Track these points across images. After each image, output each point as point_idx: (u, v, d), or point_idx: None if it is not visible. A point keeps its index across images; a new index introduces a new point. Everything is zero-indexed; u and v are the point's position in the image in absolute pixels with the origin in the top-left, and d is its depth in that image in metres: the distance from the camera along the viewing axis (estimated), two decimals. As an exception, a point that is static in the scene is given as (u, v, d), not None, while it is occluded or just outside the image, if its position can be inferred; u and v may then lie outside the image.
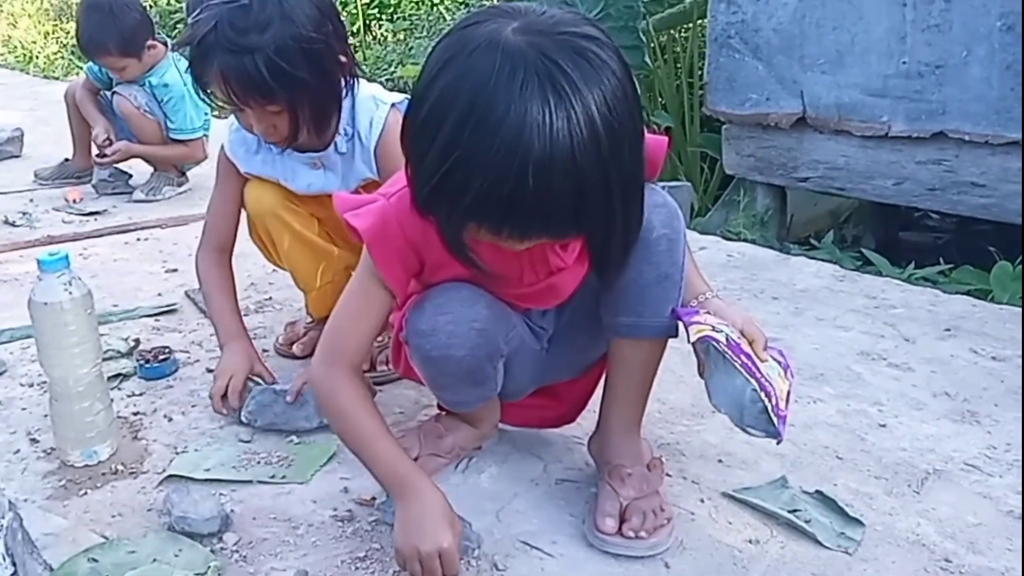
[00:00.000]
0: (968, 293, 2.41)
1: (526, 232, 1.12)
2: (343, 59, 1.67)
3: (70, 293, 1.54)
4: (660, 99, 3.92)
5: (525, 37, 1.05)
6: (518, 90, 1.02)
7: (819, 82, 2.89)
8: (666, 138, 1.39)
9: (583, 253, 1.37)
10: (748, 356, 1.29)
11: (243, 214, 1.91)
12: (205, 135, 3.60)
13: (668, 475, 1.56)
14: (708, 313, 1.36)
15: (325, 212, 1.90)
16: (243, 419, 1.74)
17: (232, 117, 1.82)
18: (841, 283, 2.48)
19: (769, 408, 1.26)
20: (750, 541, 1.40)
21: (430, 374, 1.46)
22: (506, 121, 1.02)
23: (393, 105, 1.76)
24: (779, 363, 1.34)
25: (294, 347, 2.06)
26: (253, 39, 1.54)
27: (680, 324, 1.35)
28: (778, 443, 1.32)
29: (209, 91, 1.65)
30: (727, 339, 1.29)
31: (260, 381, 1.78)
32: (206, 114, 3.58)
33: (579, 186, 1.06)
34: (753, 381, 1.27)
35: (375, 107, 1.76)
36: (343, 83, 1.69)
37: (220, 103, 1.67)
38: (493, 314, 1.38)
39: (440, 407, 1.66)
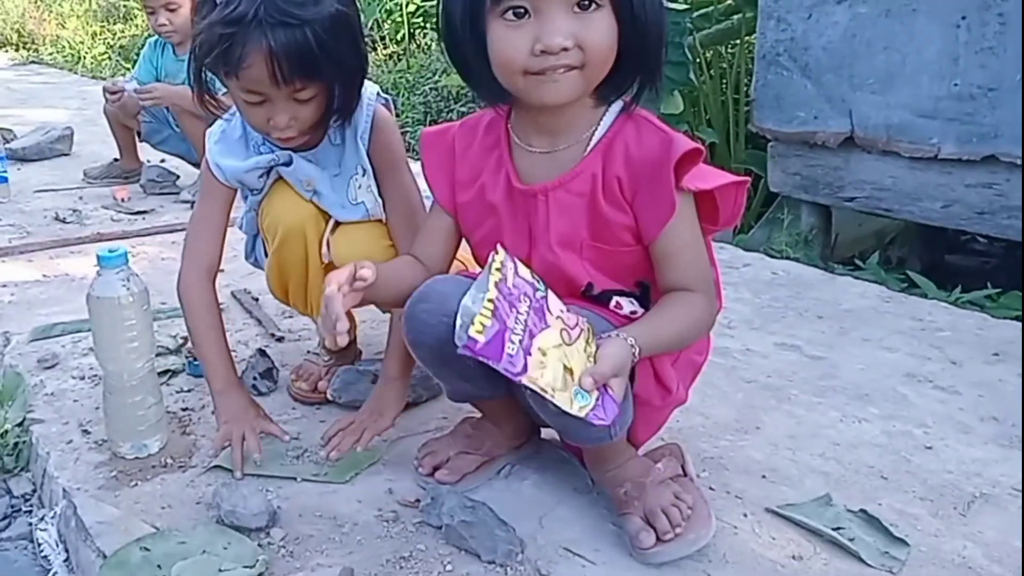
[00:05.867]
0: (1016, 318, 2.38)
1: None
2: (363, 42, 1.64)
3: (128, 289, 1.57)
4: (705, 114, 3.92)
5: None
6: None
7: (868, 102, 2.87)
8: (745, 178, 1.37)
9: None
10: (535, 304, 1.21)
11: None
12: None
13: (711, 488, 1.56)
14: (578, 324, 1.27)
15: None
16: (329, 396, 1.84)
17: (213, 130, 1.78)
18: (887, 304, 2.46)
19: (460, 323, 1.17)
20: (793, 557, 1.40)
21: (419, 360, 1.48)
22: None
23: (378, 95, 1.73)
24: (599, 397, 1.20)
25: (318, 385, 1.90)
26: (304, 11, 1.48)
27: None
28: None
29: (229, 80, 1.57)
30: (537, 291, 1.23)
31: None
32: None
33: None
34: (473, 291, 1.18)
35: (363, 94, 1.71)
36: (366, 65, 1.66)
37: (251, 91, 1.56)
38: None
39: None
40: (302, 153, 1.74)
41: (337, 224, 1.78)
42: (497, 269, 1.21)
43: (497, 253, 1.24)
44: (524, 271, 1.26)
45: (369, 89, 1.72)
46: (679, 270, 1.36)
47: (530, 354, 1.17)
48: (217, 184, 1.78)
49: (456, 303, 1.20)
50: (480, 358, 1.15)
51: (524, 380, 1.16)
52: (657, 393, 1.42)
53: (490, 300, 1.17)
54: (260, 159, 1.75)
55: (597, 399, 1.20)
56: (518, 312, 1.19)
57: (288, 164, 1.75)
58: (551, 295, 1.27)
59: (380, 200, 1.74)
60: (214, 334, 1.75)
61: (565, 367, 1.20)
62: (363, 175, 1.73)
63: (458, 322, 1.17)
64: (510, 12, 1.23)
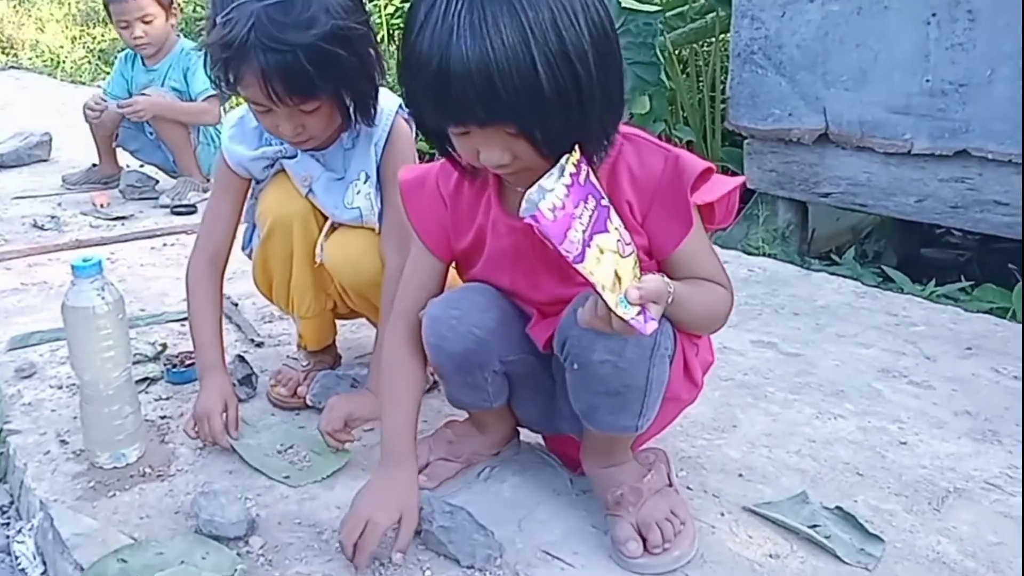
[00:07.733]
0: (990, 311, 2.41)
1: (455, 116, 1.23)
2: (373, 52, 1.64)
3: (103, 298, 1.57)
4: (682, 113, 3.94)
5: None
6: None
7: (842, 99, 2.89)
8: (742, 179, 1.39)
9: None
10: (600, 208, 1.22)
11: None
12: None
13: (689, 488, 1.57)
14: (632, 243, 1.27)
15: None
16: (308, 401, 1.84)
17: (231, 117, 1.82)
18: (862, 300, 2.49)
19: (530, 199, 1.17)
20: (770, 555, 1.41)
21: (431, 359, 1.49)
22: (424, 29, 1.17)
23: (399, 110, 1.74)
24: (640, 311, 1.21)
25: (298, 390, 1.89)
26: (296, 36, 1.49)
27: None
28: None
29: (238, 91, 1.61)
30: (603, 198, 1.24)
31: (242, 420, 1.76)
32: None
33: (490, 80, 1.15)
34: (553, 173, 1.19)
35: (384, 103, 1.72)
36: (377, 73, 1.66)
37: (254, 103, 1.61)
38: (501, 330, 1.41)
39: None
40: (311, 151, 1.76)
41: (333, 228, 1.79)
42: (573, 163, 1.22)
43: (574, 152, 1.24)
44: (594, 178, 1.26)
45: (392, 101, 1.73)
46: (697, 274, 1.37)
47: (589, 246, 1.18)
48: (230, 173, 1.82)
49: (489, 317, 1.29)
50: (543, 235, 1.15)
51: (580, 268, 1.16)
52: (685, 386, 1.45)
53: (565, 185, 1.18)
54: (267, 150, 1.78)
55: (638, 312, 1.21)
56: (585, 206, 1.20)
57: (292, 157, 1.77)
58: (613, 210, 1.27)
59: (377, 208, 1.74)
60: (205, 319, 1.81)
61: (616, 273, 1.21)
62: (365, 181, 1.74)
63: (530, 197, 1.17)
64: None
